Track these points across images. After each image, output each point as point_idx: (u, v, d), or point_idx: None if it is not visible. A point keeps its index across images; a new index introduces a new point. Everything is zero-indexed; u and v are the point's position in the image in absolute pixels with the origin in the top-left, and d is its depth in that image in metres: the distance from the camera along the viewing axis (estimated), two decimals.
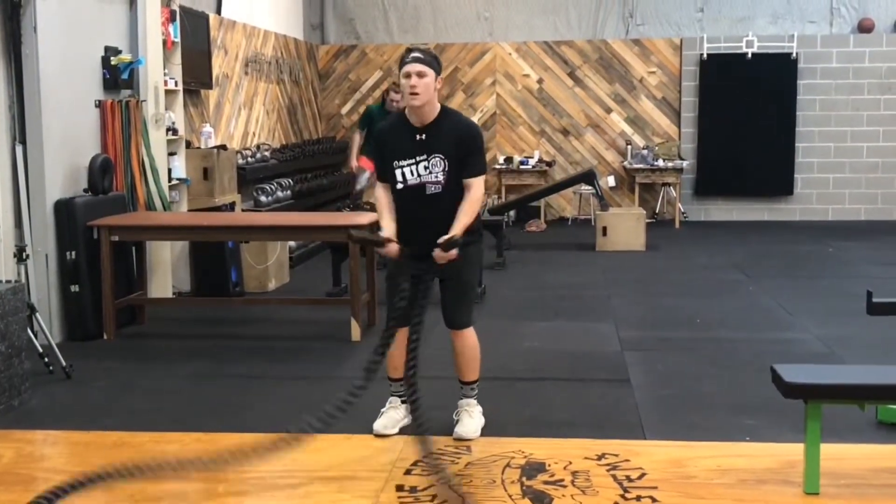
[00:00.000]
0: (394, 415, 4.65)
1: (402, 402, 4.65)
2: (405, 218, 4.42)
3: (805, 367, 4.03)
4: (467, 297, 4.56)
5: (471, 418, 4.56)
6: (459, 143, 4.34)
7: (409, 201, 4.39)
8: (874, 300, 4.02)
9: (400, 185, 4.39)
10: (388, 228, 4.39)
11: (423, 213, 4.36)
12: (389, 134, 4.48)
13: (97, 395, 5.41)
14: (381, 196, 4.49)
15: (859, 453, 4.27)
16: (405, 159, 4.36)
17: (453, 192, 4.34)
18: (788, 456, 4.16)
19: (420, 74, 4.28)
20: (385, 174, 4.46)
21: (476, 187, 4.36)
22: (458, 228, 4.25)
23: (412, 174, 4.36)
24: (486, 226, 9.44)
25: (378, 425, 4.59)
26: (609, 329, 6.83)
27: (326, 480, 4.04)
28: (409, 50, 4.41)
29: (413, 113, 4.38)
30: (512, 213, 12.67)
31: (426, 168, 4.34)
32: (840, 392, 3.71)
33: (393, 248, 4.36)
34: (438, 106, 4.40)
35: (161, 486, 4.13)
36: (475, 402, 4.62)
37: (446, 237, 4.22)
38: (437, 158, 4.33)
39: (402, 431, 4.58)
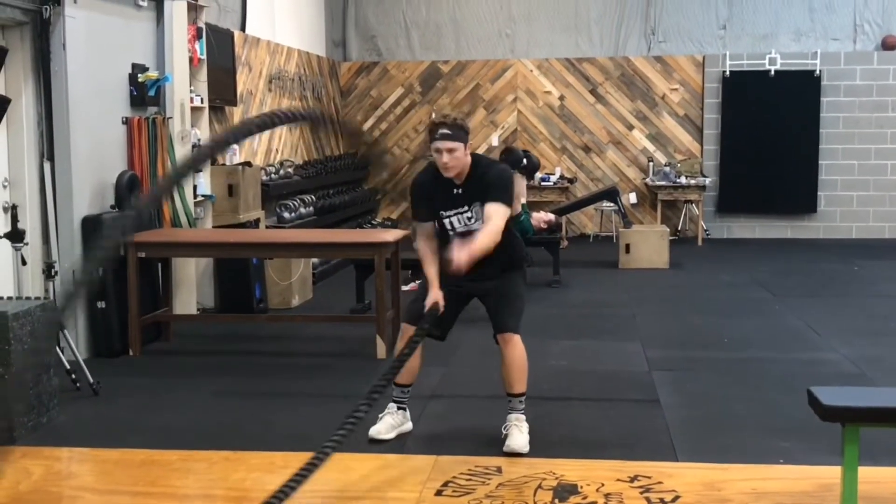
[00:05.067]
0: (390, 420, 4.79)
1: (399, 408, 4.82)
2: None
3: (843, 390, 3.99)
4: (514, 304, 4.63)
5: (521, 433, 4.60)
6: (488, 185, 4.51)
7: (459, 240, 4.56)
8: None
9: (451, 232, 4.59)
10: (435, 282, 4.56)
11: None
12: (431, 188, 4.64)
13: (124, 411, 5.41)
14: (424, 247, 4.66)
15: None
16: (450, 210, 4.58)
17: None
18: (824, 479, 4.11)
19: (450, 151, 4.47)
20: (426, 216, 4.65)
21: (496, 218, 4.46)
22: (472, 247, 4.32)
23: (459, 223, 4.58)
24: (542, 243, 9.54)
25: (373, 430, 4.73)
26: (636, 348, 6.78)
27: (355, 500, 4.01)
28: (437, 125, 4.51)
29: None
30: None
31: (470, 218, 4.56)
32: (879, 415, 3.66)
33: (439, 297, 4.54)
34: (469, 160, 4.56)
35: None
36: (523, 416, 4.65)
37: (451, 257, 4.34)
38: (477, 206, 4.53)
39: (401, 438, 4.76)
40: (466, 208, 4.54)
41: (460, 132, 4.47)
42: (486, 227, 4.41)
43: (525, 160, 9.69)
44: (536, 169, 10.95)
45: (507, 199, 4.54)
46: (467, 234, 4.52)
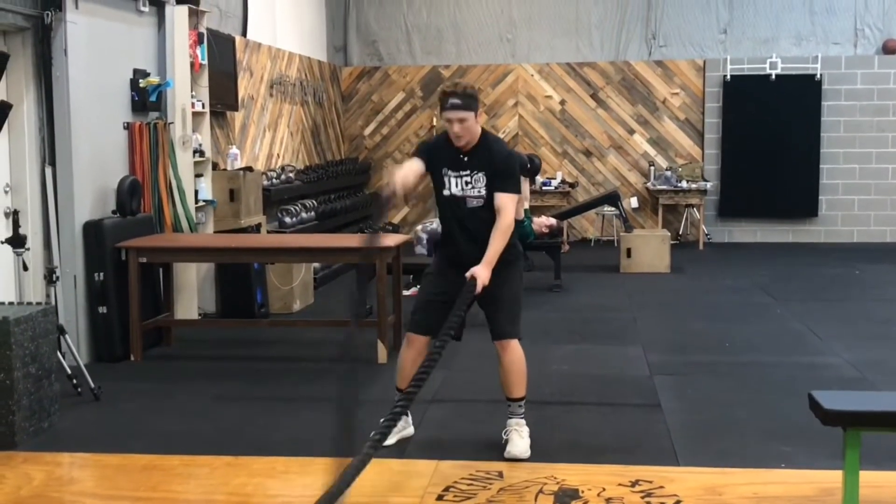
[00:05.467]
0: None
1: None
2: (449, 227, 4.65)
3: (844, 394, 3.99)
4: (512, 309, 4.62)
5: (521, 438, 4.59)
6: (496, 165, 4.54)
7: (453, 211, 4.61)
8: None
9: (446, 193, 4.60)
10: (397, 175, 4.43)
11: (464, 224, 4.58)
12: (439, 149, 4.64)
13: (125, 417, 5.41)
14: (408, 164, 4.55)
15: None
16: (453, 169, 4.57)
17: (493, 208, 4.52)
18: (825, 483, 4.11)
19: (461, 120, 4.49)
20: (421, 158, 4.57)
21: (506, 210, 4.50)
22: (489, 258, 4.44)
23: (457, 186, 4.56)
24: (543, 247, 9.55)
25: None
26: (637, 352, 6.78)
27: None
28: (447, 94, 4.52)
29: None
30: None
31: (468, 183, 4.55)
32: (881, 420, 3.66)
33: (398, 176, 4.40)
34: (479, 131, 4.59)
35: None
36: (523, 420, 4.64)
37: (470, 273, 4.40)
38: (479, 175, 4.54)
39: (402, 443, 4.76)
40: (468, 172, 4.54)
41: (471, 101, 4.50)
42: (498, 227, 4.46)
43: (529, 164, 9.70)
44: (538, 171, 10.97)
45: (516, 186, 4.59)
46: (460, 200, 4.53)
